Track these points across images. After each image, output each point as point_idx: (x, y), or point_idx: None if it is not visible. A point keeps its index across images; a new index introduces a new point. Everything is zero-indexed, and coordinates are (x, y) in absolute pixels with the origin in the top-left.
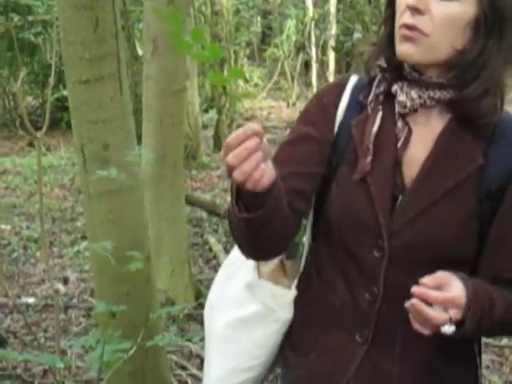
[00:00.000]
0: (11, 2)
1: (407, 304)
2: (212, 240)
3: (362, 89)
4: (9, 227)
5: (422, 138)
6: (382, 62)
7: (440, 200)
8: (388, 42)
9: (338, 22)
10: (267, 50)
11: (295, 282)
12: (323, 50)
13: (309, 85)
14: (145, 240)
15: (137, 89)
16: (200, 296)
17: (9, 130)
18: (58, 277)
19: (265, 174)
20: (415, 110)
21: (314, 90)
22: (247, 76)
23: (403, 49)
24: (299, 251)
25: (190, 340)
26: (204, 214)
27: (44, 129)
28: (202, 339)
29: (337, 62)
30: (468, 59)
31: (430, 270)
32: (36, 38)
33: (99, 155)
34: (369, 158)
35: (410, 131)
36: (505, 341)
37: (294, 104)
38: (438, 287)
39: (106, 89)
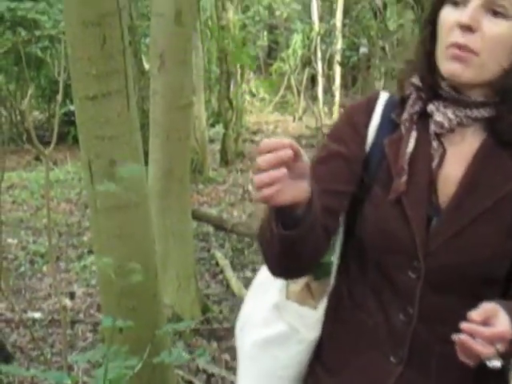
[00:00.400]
0: (18, 17)
1: (455, 338)
2: (219, 255)
3: (393, 106)
4: (16, 241)
5: (458, 156)
6: (417, 81)
7: (476, 220)
8: (427, 61)
9: (343, 36)
10: (273, 65)
11: (322, 302)
12: (329, 64)
13: (315, 99)
14: (152, 255)
15: (144, 104)
16: (207, 311)
17: (16, 144)
18: (64, 291)
19: (283, 191)
20: (452, 130)
21: (321, 105)
22: (253, 90)
23: (452, 68)
24: (327, 272)
25: (197, 356)
26: (211, 229)
27: (52, 145)
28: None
29: (343, 76)
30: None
31: (465, 289)
32: (43, 52)
33: (106, 171)
34: (404, 178)
35: (444, 151)
36: None
37: (300, 118)
38: (486, 320)
39: (113, 105)
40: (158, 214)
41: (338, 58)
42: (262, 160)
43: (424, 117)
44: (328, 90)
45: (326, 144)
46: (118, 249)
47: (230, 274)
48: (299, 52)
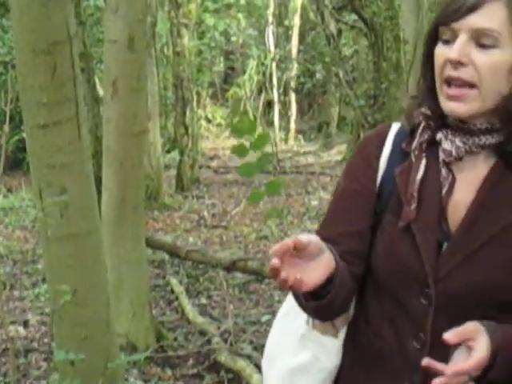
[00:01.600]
0: None
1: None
2: (174, 281)
3: (404, 136)
4: None
5: (467, 183)
6: (426, 110)
7: (485, 245)
8: (430, 94)
9: (298, 63)
10: (230, 90)
11: (343, 330)
12: (285, 90)
13: (271, 124)
14: (104, 284)
15: (97, 131)
16: (161, 338)
17: None
18: (18, 320)
19: (306, 279)
20: (460, 158)
21: (277, 130)
22: (210, 116)
23: (450, 107)
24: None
25: None
26: (166, 256)
27: None
28: None
29: (298, 102)
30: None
31: (478, 315)
32: None
33: (57, 199)
34: (413, 206)
35: (454, 179)
36: None
37: None
38: (464, 342)
39: (65, 133)
40: (112, 242)
41: (292, 84)
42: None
43: (433, 145)
44: (284, 116)
45: (341, 182)
46: (70, 278)
47: (184, 301)
48: (255, 78)
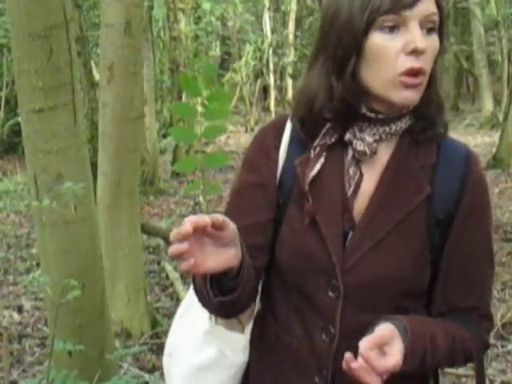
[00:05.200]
0: None
1: (347, 362)
2: (169, 267)
3: (302, 126)
4: None
5: (370, 172)
6: (328, 114)
7: (391, 233)
8: (354, 88)
9: (295, 48)
10: (226, 75)
11: (249, 326)
12: (281, 75)
13: (267, 110)
14: (99, 271)
15: (93, 115)
16: (156, 325)
17: None
18: (12, 305)
19: (204, 261)
20: (374, 153)
21: (273, 115)
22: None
23: (407, 96)
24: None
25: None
26: (161, 241)
27: None
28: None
29: (295, 87)
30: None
31: (387, 305)
32: None
33: (52, 185)
34: (310, 202)
35: (361, 176)
36: (462, 370)
37: (252, 129)
38: (379, 346)
39: (60, 118)
40: (107, 228)
41: (289, 70)
42: (173, 237)
43: (339, 143)
44: (280, 102)
45: (239, 175)
46: (65, 264)
47: (180, 287)
48: (251, 63)
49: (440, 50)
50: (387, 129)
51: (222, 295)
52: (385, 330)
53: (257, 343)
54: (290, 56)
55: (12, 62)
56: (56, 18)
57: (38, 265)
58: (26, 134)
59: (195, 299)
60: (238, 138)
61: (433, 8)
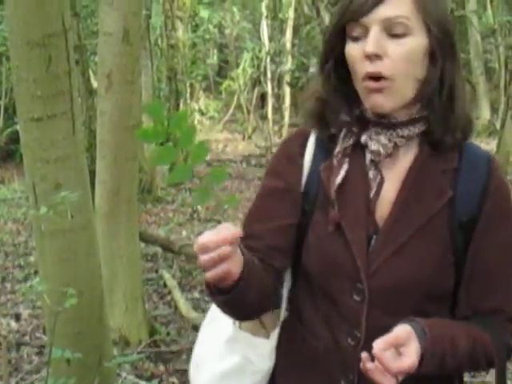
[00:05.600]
0: None
1: (364, 363)
2: (167, 275)
3: (325, 134)
4: None
5: (392, 176)
6: (345, 117)
7: (413, 237)
8: (341, 95)
9: (293, 56)
10: (223, 83)
11: (274, 331)
12: (279, 83)
13: (264, 118)
14: (97, 279)
15: (91, 123)
16: (154, 333)
17: None
18: (10, 313)
19: (232, 271)
20: (389, 155)
21: (270, 124)
22: (203, 109)
23: (373, 101)
24: (278, 302)
25: None
26: (159, 249)
27: None
28: None
29: (292, 95)
30: (431, 88)
31: (410, 308)
32: None
33: (51, 194)
34: (336, 209)
35: (382, 178)
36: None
37: (249, 137)
38: (395, 347)
39: (59, 127)
40: (105, 236)
41: (287, 78)
42: (207, 261)
43: (359, 147)
44: (278, 110)
45: (264, 181)
46: (63, 273)
47: (178, 295)
48: (249, 71)
49: (447, 56)
50: (400, 132)
51: (221, 293)
52: (400, 330)
53: (283, 348)
54: (288, 64)
55: (10, 71)
56: (54, 26)
57: (35, 273)
58: (24, 142)
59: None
60: (235, 146)
61: (398, 11)
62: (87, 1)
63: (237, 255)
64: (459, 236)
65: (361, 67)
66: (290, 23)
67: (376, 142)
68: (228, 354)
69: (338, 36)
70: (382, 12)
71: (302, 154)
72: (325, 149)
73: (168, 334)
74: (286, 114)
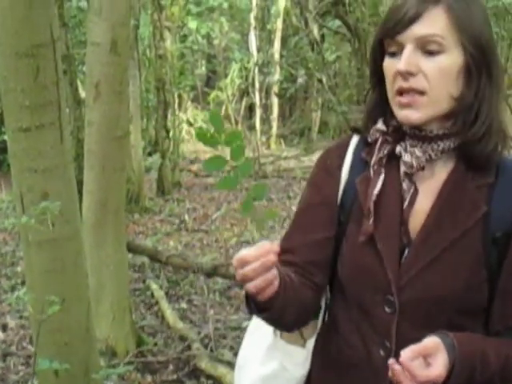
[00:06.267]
0: None
1: (392, 365)
2: (154, 286)
3: (364, 146)
4: None
5: (427, 189)
6: (381, 126)
7: (446, 251)
8: (381, 107)
9: (281, 67)
10: (211, 94)
11: (311, 340)
12: (267, 94)
13: (252, 128)
14: (84, 289)
15: (79, 134)
16: (141, 343)
17: None
18: None
19: (274, 281)
20: (422, 168)
21: (258, 134)
22: (191, 119)
23: (405, 115)
24: (317, 313)
25: None
26: (146, 260)
27: None
28: None
29: (280, 106)
30: (466, 104)
31: (442, 322)
32: None
33: (38, 204)
34: (371, 220)
35: (416, 191)
36: None
37: None
38: (424, 357)
39: (47, 137)
40: (93, 246)
41: (275, 89)
42: (249, 270)
43: (394, 158)
44: (265, 120)
45: (304, 194)
46: (50, 283)
47: (165, 305)
48: (237, 81)
49: (483, 73)
50: (435, 146)
51: (258, 311)
52: (429, 341)
53: (319, 357)
54: (276, 75)
55: None
56: (43, 36)
57: (23, 283)
58: (12, 152)
59: None
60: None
61: (432, 30)
62: (75, 11)
63: (275, 271)
64: (493, 251)
65: (394, 83)
66: (279, 34)
67: (410, 154)
68: (268, 360)
69: (378, 51)
70: (417, 30)
71: (340, 166)
72: (362, 161)
73: (155, 344)
74: (274, 125)
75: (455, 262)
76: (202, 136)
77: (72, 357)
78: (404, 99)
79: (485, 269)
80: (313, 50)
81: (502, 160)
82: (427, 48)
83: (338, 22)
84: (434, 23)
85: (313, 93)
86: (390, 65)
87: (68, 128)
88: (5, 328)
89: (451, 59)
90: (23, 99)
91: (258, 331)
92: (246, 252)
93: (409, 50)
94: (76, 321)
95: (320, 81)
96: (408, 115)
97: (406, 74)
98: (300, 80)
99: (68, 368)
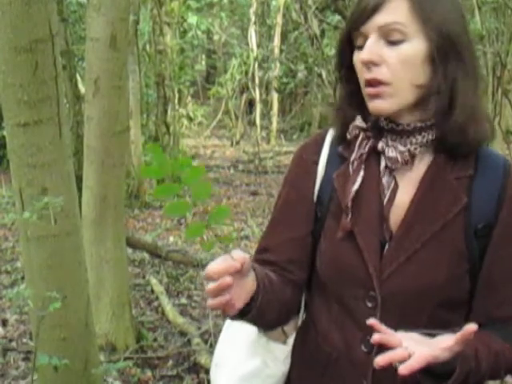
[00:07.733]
0: None
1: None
2: (154, 281)
3: (340, 141)
4: None
5: (406, 183)
6: (361, 123)
7: (427, 243)
8: (355, 102)
9: (281, 62)
10: (211, 89)
11: (292, 337)
12: (267, 89)
13: (252, 124)
14: (83, 285)
15: (79, 129)
16: (141, 339)
17: None
18: None
19: (237, 300)
20: (406, 162)
21: (258, 130)
22: (191, 114)
23: (374, 105)
24: (298, 309)
25: None
26: (146, 255)
27: None
28: None
29: (280, 102)
30: (434, 92)
31: (425, 315)
32: None
33: (38, 199)
34: (349, 217)
35: (396, 185)
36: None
37: (237, 143)
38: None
39: (45, 132)
40: (92, 242)
41: (275, 84)
42: (210, 290)
43: (374, 154)
44: (266, 115)
45: (280, 191)
46: (49, 278)
47: (165, 300)
48: (237, 77)
49: (450, 60)
50: (413, 140)
51: (240, 317)
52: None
53: (298, 353)
54: (276, 70)
55: None
56: (41, 31)
57: (22, 278)
58: (11, 147)
59: None
60: (223, 152)
61: (393, 18)
62: (75, 6)
63: (245, 281)
64: (474, 243)
65: (361, 75)
66: (278, 29)
67: (393, 149)
68: (248, 357)
69: (347, 45)
70: (379, 19)
71: (316, 162)
72: (338, 155)
73: (155, 339)
74: (274, 120)
75: (436, 254)
76: (148, 172)
77: (72, 352)
78: (372, 90)
79: (466, 261)
80: (312, 44)
81: (480, 151)
82: (390, 38)
83: (337, 17)
84: (396, 11)
85: (313, 88)
86: (357, 57)
87: (67, 123)
88: (5, 323)
89: (414, 47)
90: (22, 94)
91: (232, 326)
92: (212, 267)
93: (372, 39)
94: (76, 316)
95: (320, 76)
96: (376, 106)
97: (370, 64)
98: (300, 75)
99: (67, 363)
